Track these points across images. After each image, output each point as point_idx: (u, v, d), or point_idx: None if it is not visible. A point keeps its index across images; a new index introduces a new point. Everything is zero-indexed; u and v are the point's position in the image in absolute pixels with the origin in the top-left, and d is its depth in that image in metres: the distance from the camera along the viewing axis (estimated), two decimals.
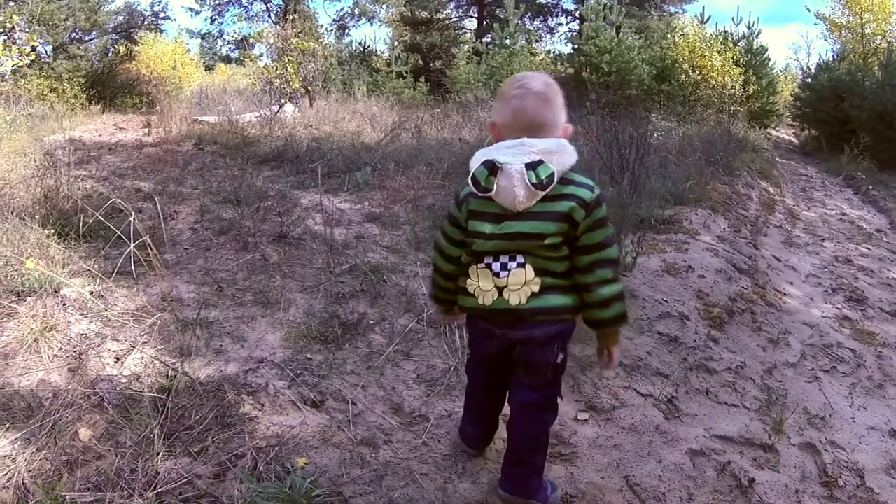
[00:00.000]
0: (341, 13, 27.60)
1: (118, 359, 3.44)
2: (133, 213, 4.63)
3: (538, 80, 1.96)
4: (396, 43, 25.32)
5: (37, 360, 3.42)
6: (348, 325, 3.89)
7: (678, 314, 4.50)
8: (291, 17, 15.99)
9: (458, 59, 20.44)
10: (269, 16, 26.22)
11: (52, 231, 5.47)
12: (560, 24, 26.10)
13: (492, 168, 1.90)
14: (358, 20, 27.67)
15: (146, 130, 13.46)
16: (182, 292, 4.33)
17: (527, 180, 1.85)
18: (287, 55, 13.81)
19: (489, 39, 22.65)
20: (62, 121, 17.45)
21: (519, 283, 1.92)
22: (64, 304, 4.00)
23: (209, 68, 31.96)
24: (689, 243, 6.09)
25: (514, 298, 1.93)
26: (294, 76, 13.57)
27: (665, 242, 6.02)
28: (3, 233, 5.42)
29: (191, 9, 27.13)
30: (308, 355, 3.58)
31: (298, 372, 3.36)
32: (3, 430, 2.79)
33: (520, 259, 1.93)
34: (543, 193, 1.87)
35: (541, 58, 22.12)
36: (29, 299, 4.05)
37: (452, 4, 26.21)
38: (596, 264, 1.94)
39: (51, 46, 22.08)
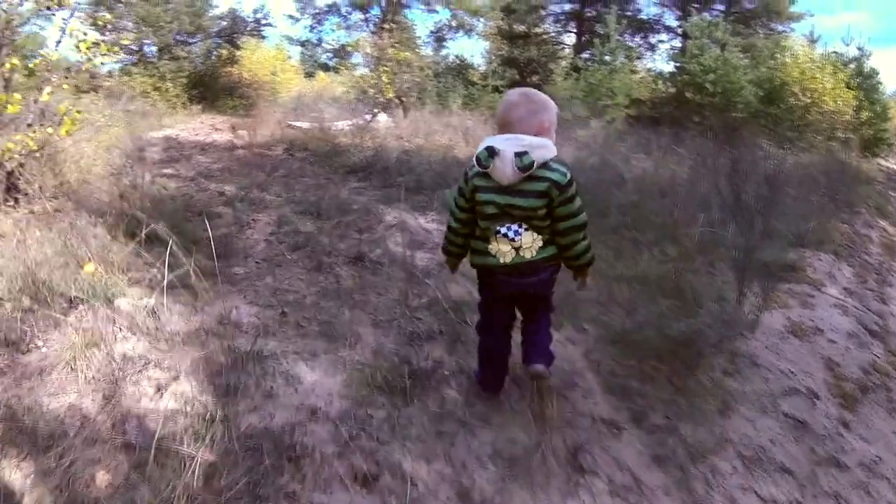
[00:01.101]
0: (439, 25, 27.30)
1: (158, 388, 3.03)
2: (209, 218, 4.40)
3: (514, 93, 2.79)
4: (493, 56, 24.90)
5: (72, 380, 3.05)
6: (420, 374, 3.36)
7: (807, 390, 3.83)
8: (389, 27, 15.76)
9: (556, 74, 19.81)
10: (368, 25, 26.27)
11: (122, 232, 5.22)
12: (661, 41, 24.98)
13: (491, 152, 2.56)
14: (455, 32, 27.32)
15: (240, 133, 13.41)
16: (242, 314, 3.91)
17: (514, 164, 2.51)
18: (382, 65, 13.52)
19: (588, 55, 21.87)
20: (162, 118, 17.76)
21: (529, 243, 2.66)
22: (114, 318, 3.63)
23: (309, 75, 32.27)
24: (815, 297, 5.34)
25: (528, 254, 2.67)
26: (388, 86, 13.26)
27: (788, 294, 5.27)
28: (70, 232, 5.21)
29: (291, 16, 27.48)
30: (369, 410, 3.06)
31: (355, 433, 2.86)
32: (21, 458, 2.43)
33: (524, 226, 2.64)
34: (525, 175, 2.55)
35: (641, 75, 21.22)
36: (80, 307, 3.72)
37: (551, 19, 25.50)
38: (570, 229, 2.69)
39: (156, 47, 22.68)
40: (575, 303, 4.15)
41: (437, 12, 26.48)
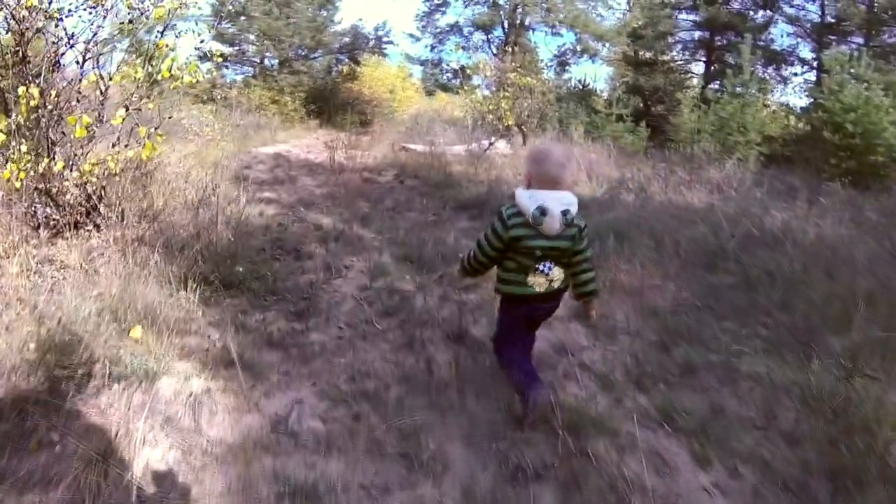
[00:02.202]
0: (563, 48, 26.32)
1: None
2: (298, 259, 3.60)
3: (560, 153, 3.05)
4: (619, 83, 23.70)
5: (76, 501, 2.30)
6: None
7: None
8: (511, 49, 14.94)
9: (684, 105, 18.36)
10: (489, 47, 25.66)
11: (195, 275, 4.58)
12: (795, 74, 22.83)
13: (542, 211, 2.84)
14: (579, 57, 26.25)
15: (352, 153, 12.93)
16: (305, 414, 3.03)
17: (561, 221, 2.87)
18: (503, 89, 12.69)
19: (717, 86, 20.23)
20: (276, 132, 17.66)
21: (557, 276, 3.06)
22: (149, 406, 2.87)
23: (430, 94, 32.06)
24: None
25: (557, 284, 3.08)
26: (509, 112, 12.41)
27: None
28: (138, 270, 4.60)
29: (412, 35, 27.14)
30: None
31: None
32: None
33: (553, 263, 3.02)
34: (567, 226, 2.93)
35: (772, 109, 19.37)
36: (115, 387, 3.00)
37: (679, 46, 23.90)
38: (585, 261, 3.16)
39: (277, 61, 22.85)
40: (725, 425, 3.10)
41: (560, 35, 25.59)
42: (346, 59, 25.84)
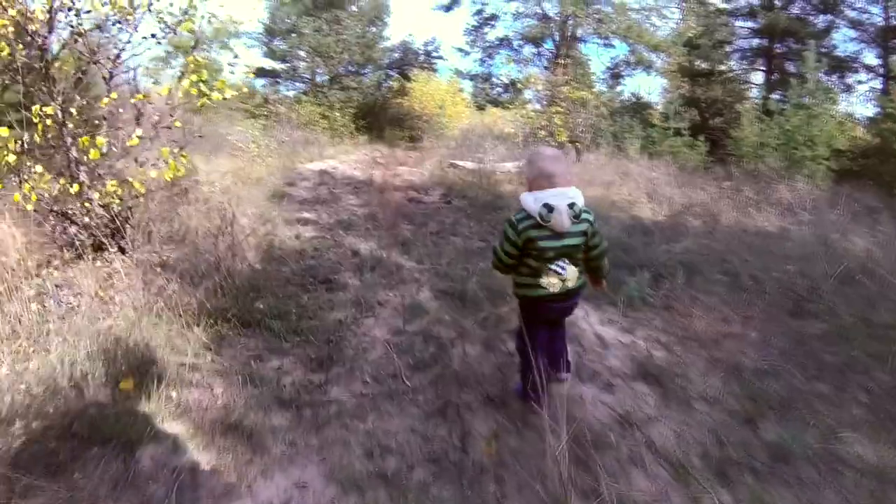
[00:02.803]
0: (616, 60, 25.54)
1: None
2: (330, 290, 3.10)
3: (550, 150, 3.17)
4: (675, 96, 22.86)
5: None
6: None
7: None
8: (563, 62, 14.35)
9: (745, 117, 17.33)
10: (540, 60, 25.07)
11: (210, 310, 4.15)
12: (859, 82, 21.32)
13: (549, 208, 2.87)
14: (633, 69, 25.44)
15: (400, 169, 12.53)
16: (308, 500, 2.52)
17: (569, 214, 2.90)
18: (556, 104, 12.12)
19: (778, 97, 19.10)
20: (325, 148, 17.38)
21: (572, 276, 3.07)
22: (126, 484, 2.39)
23: (480, 108, 31.66)
24: None
25: (571, 283, 3.08)
26: (561, 128, 11.82)
27: None
28: (144, 309, 4.19)
29: (461, 49, 26.69)
30: None
31: None
32: None
33: (568, 261, 3.03)
34: (576, 220, 2.96)
35: (837, 121, 18.11)
36: (93, 451, 2.53)
37: (737, 55, 22.75)
38: (601, 255, 3.23)
39: (327, 76, 22.74)
40: None
41: (613, 47, 24.87)
42: (396, 75, 25.63)
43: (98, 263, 5.18)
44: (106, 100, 4.82)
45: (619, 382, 3.69)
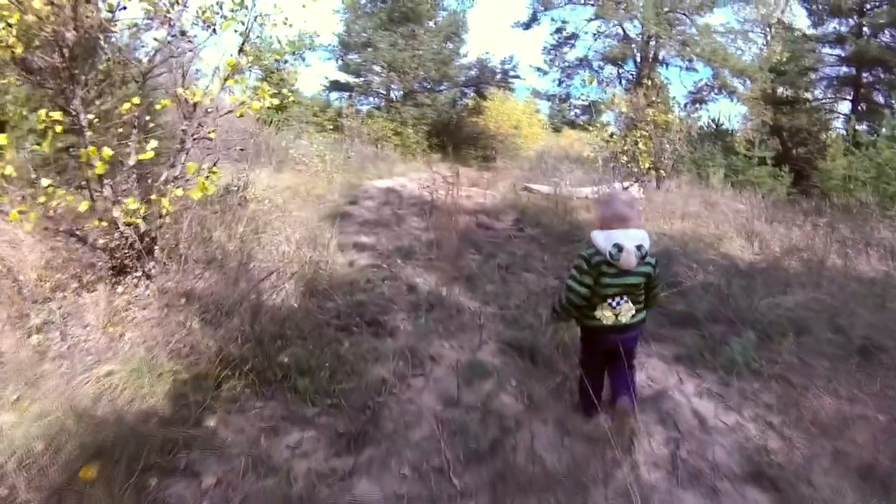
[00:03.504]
0: (699, 85, 24.31)
1: None
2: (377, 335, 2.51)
3: (623, 194, 3.61)
4: (753, 123, 21.57)
5: None
6: None
7: None
8: (646, 84, 13.41)
9: (834, 148, 15.91)
10: (619, 82, 24.03)
11: (230, 358, 3.47)
12: None
13: (619, 248, 3.03)
14: (717, 94, 24.15)
15: (471, 191, 11.82)
16: None
17: (636, 255, 3.05)
18: (640, 128, 11.19)
19: (866, 127, 17.59)
20: (395, 165, 16.88)
21: (626, 312, 3.18)
22: None
23: (556, 130, 30.89)
24: None
25: (624, 319, 3.19)
26: (645, 154, 10.89)
27: None
28: (154, 351, 3.55)
29: (539, 68, 25.80)
30: None
31: None
32: None
33: (625, 298, 3.17)
34: (641, 261, 3.11)
35: None
36: None
37: (823, 84, 21.26)
38: (658, 293, 3.42)
39: (401, 92, 22.34)
40: None
41: (696, 71, 23.70)
42: (472, 93, 25.03)
43: (120, 289, 4.62)
44: (127, 105, 4.19)
45: (727, 486, 2.81)
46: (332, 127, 20.11)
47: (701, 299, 5.11)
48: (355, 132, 19.16)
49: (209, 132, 4.78)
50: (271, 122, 19.09)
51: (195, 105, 4.70)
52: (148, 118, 4.86)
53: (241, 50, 5.17)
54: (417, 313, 4.65)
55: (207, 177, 4.39)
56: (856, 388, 3.72)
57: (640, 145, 11.01)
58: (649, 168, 11.26)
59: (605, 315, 3.18)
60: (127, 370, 3.35)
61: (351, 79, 23.65)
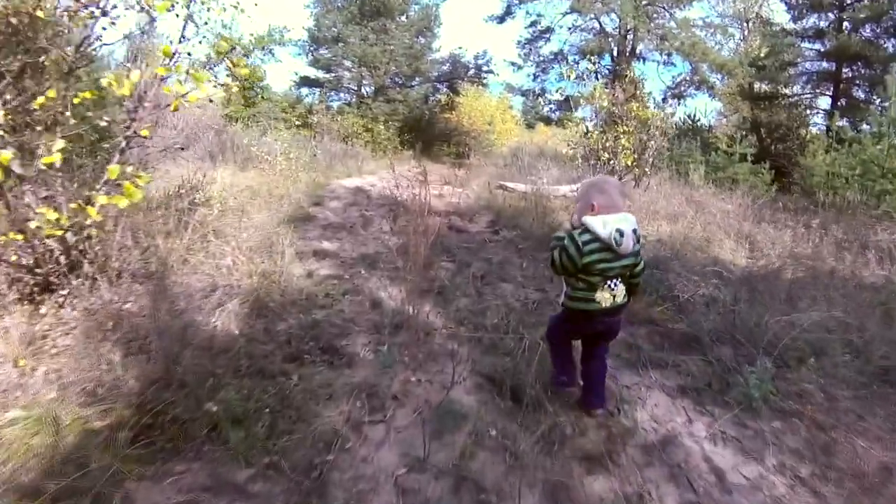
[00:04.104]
0: (677, 79, 23.91)
1: None
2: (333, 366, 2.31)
3: (611, 179, 3.41)
4: (738, 119, 21.21)
5: None
6: None
7: None
8: (625, 77, 12.91)
9: (817, 145, 15.51)
10: (596, 77, 23.51)
11: (149, 410, 2.85)
12: None
13: (620, 233, 2.99)
14: (697, 89, 23.75)
15: (444, 190, 11.24)
16: None
17: (633, 239, 3.06)
18: (623, 124, 10.65)
19: (846, 123, 17.22)
20: (365, 162, 16.27)
21: (621, 293, 3.17)
22: None
23: (529, 126, 30.41)
24: None
25: (619, 299, 3.17)
26: (628, 150, 10.36)
27: None
28: (67, 392, 2.95)
29: (513, 63, 25.14)
30: None
31: None
32: None
33: (619, 280, 3.14)
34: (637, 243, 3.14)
35: None
36: None
37: (804, 79, 20.90)
38: (641, 271, 3.27)
39: (372, 88, 21.74)
40: None
41: (674, 66, 23.29)
42: (445, 89, 24.46)
43: (44, 309, 4.02)
44: (41, 99, 3.54)
45: None
46: (300, 123, 19.49)
47: (703, 316, 4.52)
48: (325, 129, 18.56)
49: (141, 130, 4.15)
50: (238, 118, 18.46)
51: (122, 98, 4.07)
52: (69, 114, 4.18)
53: (182, 37, 4.55)
54: (381, 336, 4.04)
55: (134, 181, 3.73)
56: (880, 428, 3.18)
57: (623, 141, 10.48)
58: (631, 165, 10.74)
59: (605, 297, 3.14)
60: (31, 418, 2.74)
61: (321, 74, 22.99)
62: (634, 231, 3.09)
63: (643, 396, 3.47)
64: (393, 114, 21.31)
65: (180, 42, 4.43)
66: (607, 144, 10.77)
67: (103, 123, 4.01)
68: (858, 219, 9.68)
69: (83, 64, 4.34)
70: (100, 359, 3.32)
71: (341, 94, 23.52)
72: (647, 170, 11.03)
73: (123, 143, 4.26)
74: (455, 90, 23.74)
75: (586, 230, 3.05)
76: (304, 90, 23.90)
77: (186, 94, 3.88)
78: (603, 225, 3.01)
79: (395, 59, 21.52)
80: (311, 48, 22.81)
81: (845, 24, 18.19)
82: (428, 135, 22.00)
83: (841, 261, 6.83)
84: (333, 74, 22.77)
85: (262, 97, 20.89)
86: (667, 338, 4.25)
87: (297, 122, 19.47)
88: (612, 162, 10.65)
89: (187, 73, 4.09)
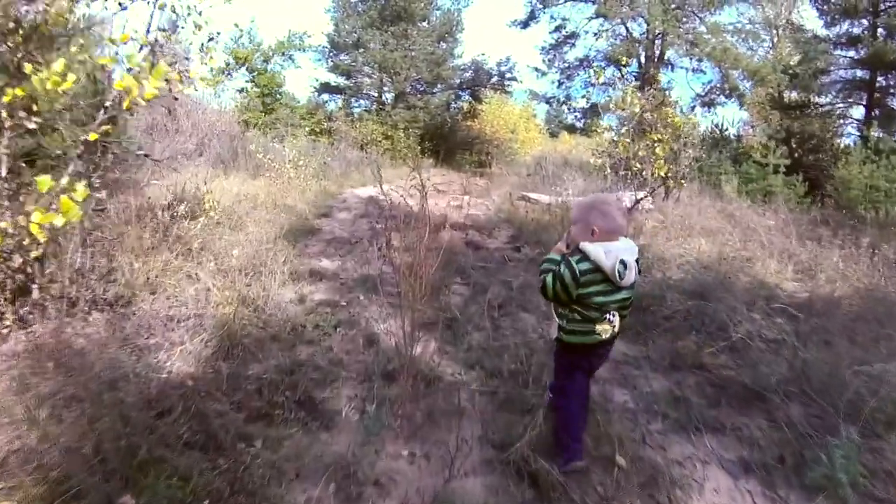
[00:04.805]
0: (707, 88, 23.04)
1: None
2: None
3: (615, 201, 3.00)
4: (777, 129, 20.35)
5: None
6: None
7: None
8: (655, 83, 12.19)
9: (853, 157, 14.65)
10: (623, 84, 22.61)
11: (60, 494, 2.18)
12: None
13: (624, 264, 2.72)
14: (728, 97, 22.86)
15: (462, 200, 10.59)
16: None
17: (636, 270, 2.82)
18: (656, 131, 9.87)
19: (881, 134, 16.37)
20: (382, 170, 15.71)
21: (617, 323, 2.89)
22: None
23: (553, 135, 29.77)
24: None
25: (617, 329, 2.90)
26: (661, 161, 9.58)
27: None
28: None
29: (537, 69, 24.47)
30: None
31: None
32: None
33: (615, 312, 2.86)
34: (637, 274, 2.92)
35: None
36: None
37: (837, 87, 19.92)
38: (631, 304, 2.96)
39: (392, 94, 21.23)
40: None
41: (703, 73, 22.46)
42: (467, 96, 23.86)
43: None
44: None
45: None
46: (318, 130, 19.03)
47: (762, 362, 3.75)
48: (343, 136, 18.10)
49: (90, 135, 3.50)
50: (256, 124, 18.00)
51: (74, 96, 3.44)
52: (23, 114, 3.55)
53: (149, 27, 3.93)
54: (373, 385, 3.33)
55: (70, 195, 3.07)
56: None
57: (658, 150, 9.71)
58: (665, 176, 9.96)
59: (605, 329, 2.89)
60: None
61: (341, 81, 22.50)
62: (637, 262, 2.88)
63: (699, 477, 2.72)
64: (413, 121, 20.79)
65: (147, 33, 3.81)
66: (639, 153, 10.00)
67: (32, 126, 3.34)
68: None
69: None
70: (27, 412, 2.67)
71: (361, 101, 23.05)
72: (682, 181, 10.21)
73: (79, 150, 3.64)
74: (477, 97, 23.19)
75: (585, 258, 2.75)
76: (325, 96, 23.45)
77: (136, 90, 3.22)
78: (605, 254, 2.74)
79: (415, 65, 21.01)
80: (331, 54, 22.32)
81: (880, 30, 17.33)
82: (449, 143, 21.52)
83: (890, 283, 6.07)
84: (353, 80, 22.29)
85: (281, 102, 20.41)
86: (722, 390, 3.48)
87: (315, 129, 19.03)
88: (644, 173, 9.86)
89: (150, 65, 3.44)
